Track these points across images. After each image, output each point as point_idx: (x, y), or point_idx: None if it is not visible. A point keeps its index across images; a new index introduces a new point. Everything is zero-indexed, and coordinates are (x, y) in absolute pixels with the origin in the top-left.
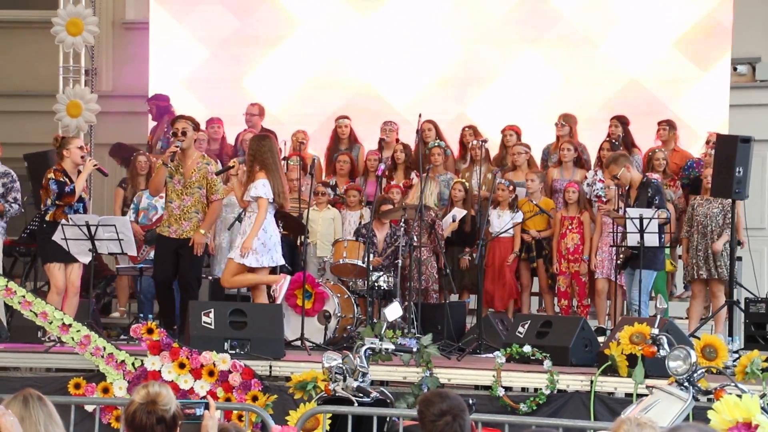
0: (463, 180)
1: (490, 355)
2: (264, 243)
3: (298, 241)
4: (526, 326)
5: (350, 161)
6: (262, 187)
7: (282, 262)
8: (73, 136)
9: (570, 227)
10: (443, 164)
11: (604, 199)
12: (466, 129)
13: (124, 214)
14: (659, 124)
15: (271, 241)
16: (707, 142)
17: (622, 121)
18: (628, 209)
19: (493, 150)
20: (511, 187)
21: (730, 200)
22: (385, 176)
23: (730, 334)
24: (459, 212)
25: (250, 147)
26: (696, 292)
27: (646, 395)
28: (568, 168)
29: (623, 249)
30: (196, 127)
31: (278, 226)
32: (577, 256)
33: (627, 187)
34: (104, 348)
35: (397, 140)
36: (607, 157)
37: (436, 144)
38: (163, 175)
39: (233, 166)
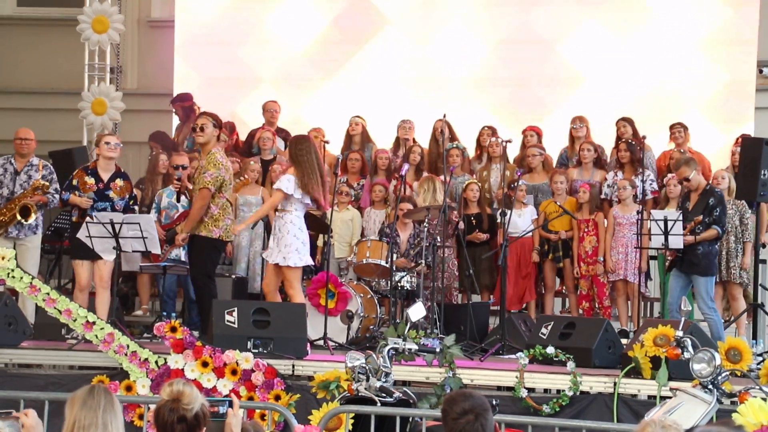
0: (476, 180)
1: (513, 356)
2: (303, 242)
3: (320, 241)
4: (550, 327)
5: (361, 159)
6: (285, 181)
7: (311, 261)
8: (105, 134)
9: (586, 230)
10: (461, 165)
11: (617, 199)
12: (485, 129)
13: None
14: (673, 127)
15: (308, 240)
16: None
17: (629, 121)
18: (653, 211)
19: (514, 151)
20: (524, 187)
21: (743, 201)
22: (396, 177)
23: (754, 337)
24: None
25: (289, 148)
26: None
27: (670, 397)
28: (588, 168)
29: (670, 251)
30: (218, 124)
31: None
32: (595, 258)
33: (687, 191)
34: (128, 346)
35: (414, 140)
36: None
37: (455, 146)
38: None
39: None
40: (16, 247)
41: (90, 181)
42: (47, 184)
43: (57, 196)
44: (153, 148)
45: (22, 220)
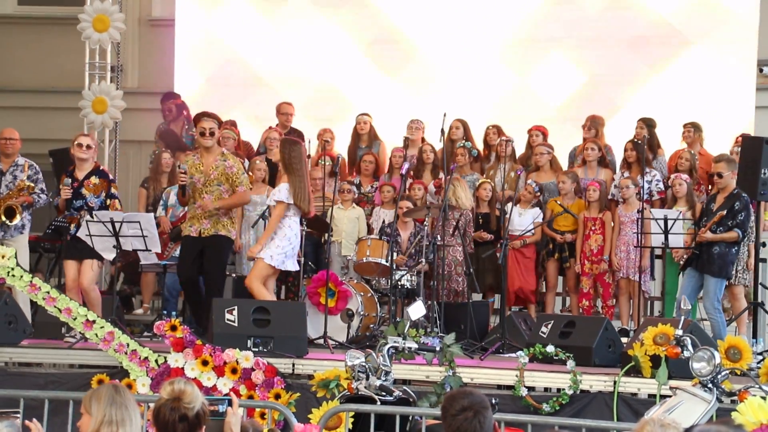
0: (489, 180)
1: (513, 354)
2: (294, 248)
3: (323, 240)
4: (550, 326)
5: (375, 161)
6: (284, 191)
7: (297, 268)
8: (78, 133)
9: (593, 228)
10: (469, 164)
11: (622, 199)
12: (490, 128)
13: (149, 213)
14: (685, 126)
15: (297, 246)
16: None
17: (648, 122)
18: (653, 210)
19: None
20: (538, 191)
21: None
22: (410, 176)
23: (755, 335)
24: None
25: (281, 151)
26: None
27: (670, 396)
28: (593, 167)
29: (686, 250)
30: (220, 124)
31: (302, 224)
32: (600, 257)
33: (714, 192)
34: (128, 344)
35: (423, 139)
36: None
37: (462, 144)
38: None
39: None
40: None
41: (68, 182)
42: (32, 185)
43: (43, 196)
44: (159, 145)
45: (6, 221)
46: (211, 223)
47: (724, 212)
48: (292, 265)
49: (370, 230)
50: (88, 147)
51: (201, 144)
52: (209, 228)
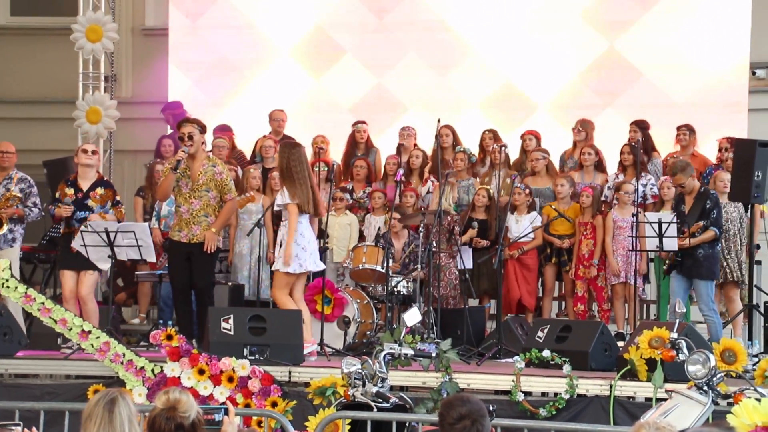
0: (487, 186)
1: (510, 359)
2: (304, 248)
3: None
4: (546, 331)
5: (367, 166)
6: (286, 193)
7: (322, 266)
8: (82, 144)
9: (585, 233)
10: (466, 170)
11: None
12: (486, 133)
13: (145, 222)
14: (678, 128)
15: (310, 245)
16: (720, 150)
17: (641, 126)
18: (647, 213)
19: (513, 155)
20: (528, 191)
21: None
22: (403, 181)
23: (750, 338)
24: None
25: (280, 156)
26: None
27: (666, 399)
28: (589, 172)
29: (670, 254)
30: (203, 129)
31: None
32: (590, 261)
33: (680, 194)
34: (124, 354)
35: (415, 145)
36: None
37: (462, 149)
38: (171, 181)
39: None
40: None
41: (69, 191)
42: (19, 195)
43: (35, 209)
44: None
45: None
46: (201, 229)
47: (701, 223)
48: (314, 265)
49: (361, 237)
50: (94, 152)
51: (184, 150)
52: (199, 234)
